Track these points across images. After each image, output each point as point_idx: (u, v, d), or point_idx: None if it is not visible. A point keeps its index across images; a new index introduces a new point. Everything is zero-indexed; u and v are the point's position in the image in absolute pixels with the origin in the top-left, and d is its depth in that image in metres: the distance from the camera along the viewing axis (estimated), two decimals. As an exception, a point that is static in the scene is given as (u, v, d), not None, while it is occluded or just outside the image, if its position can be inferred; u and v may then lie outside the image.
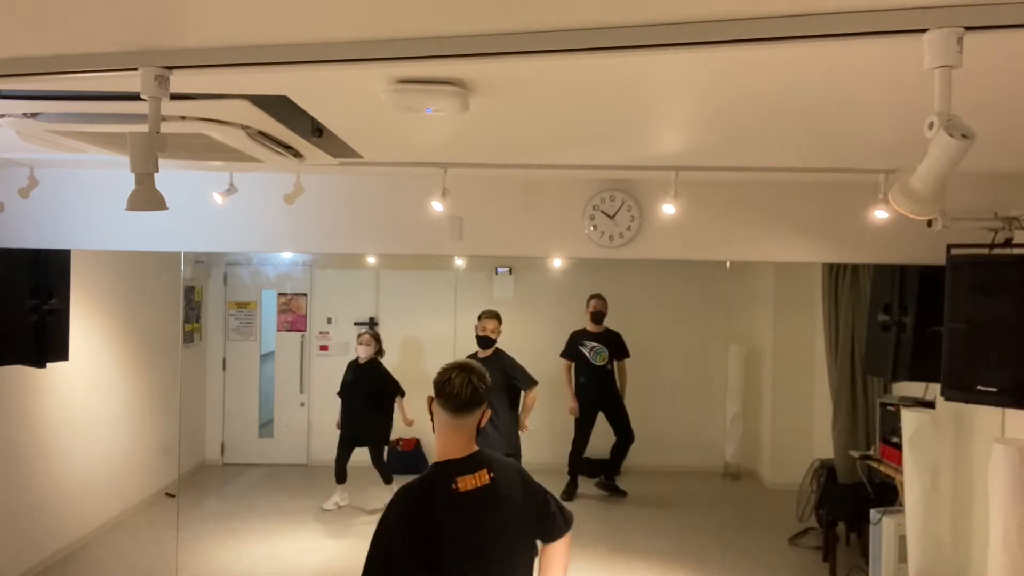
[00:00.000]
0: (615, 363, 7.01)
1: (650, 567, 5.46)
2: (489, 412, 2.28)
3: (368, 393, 6.47)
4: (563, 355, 6.99)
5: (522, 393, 5.60)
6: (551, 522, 2.30)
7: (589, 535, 6.10)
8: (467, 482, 2.17)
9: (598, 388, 6.95)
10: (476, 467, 2.20)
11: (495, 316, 5.53)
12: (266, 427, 7.86)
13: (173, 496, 6.38)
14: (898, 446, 4.50)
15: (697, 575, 5.35)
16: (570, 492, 6.99)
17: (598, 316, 6.91)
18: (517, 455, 5.48)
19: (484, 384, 2.24)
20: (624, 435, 7.05)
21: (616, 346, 7.00)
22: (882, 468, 4.82)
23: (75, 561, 5.42)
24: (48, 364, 4.30)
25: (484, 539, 2.16)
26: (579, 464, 7.06)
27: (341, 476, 6.52)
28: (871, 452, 5.04)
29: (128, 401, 6.28)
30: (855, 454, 5.14)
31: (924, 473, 4.14)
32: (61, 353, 4.34)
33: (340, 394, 6.55)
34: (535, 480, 2.34)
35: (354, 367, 6.58)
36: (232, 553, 5.58)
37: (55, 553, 5.33)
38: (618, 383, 7.04)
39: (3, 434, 4.82)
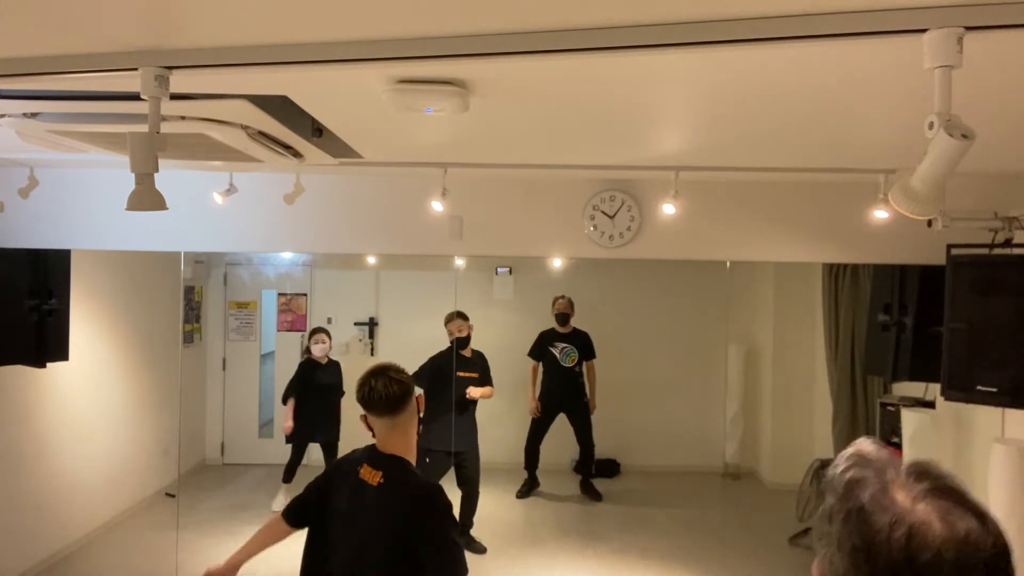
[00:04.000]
0: (583, 365, 6.94)
1: (650, 567, 5.46)
2: (422, 399, 2.34)
3: (332, 391, 6.51)
4: (531, 355, 6.93)
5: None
6: (431, 567, 2.12)
7: (589, 535, 6.11)
8: (365, 472, 2.27)
9: (562, 390, 6.90)
10: (380, 466, 2.26)
11: (463, 315, 5.75)
12: (266, 427, 7.86)
13: (173, 496, 6.37)
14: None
15: (697, 575, 5.35)
16: (527, 490, 6.99)
17: (562, 317, 6.87)
18: (475, 454, 5.64)
19: (405, 376, 2.31)
20: (585, 445, 7.00)
21: (584, 347, 6.93)
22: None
23: (75, 561, 5.42)
24: (48, 364, 4.29)
25: (354, 531, 2.25)
26: (534, 461, 7.03)
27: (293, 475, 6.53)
28: (871, 452, 5.03)
29: (128, 401, 6.28)
30: (855, 454, 5.14)
31: (924, 473, 4.14)
32: (61, 353, 4.34)
33: (294, 395, 6.50)
34: (447, 521, 2.19)
35: (313, 365, 6.55)
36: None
37: (55, 553, 5.33)
38: (586, 386, 6.96)
39: (3, 434, 4.82)
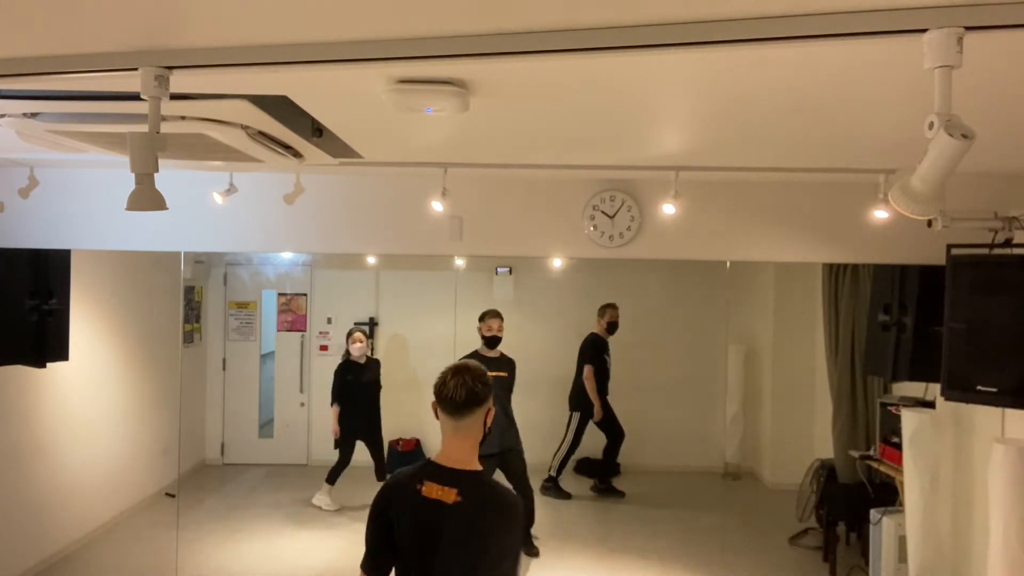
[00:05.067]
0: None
1: (650, 567, 5.46)
2: (493, 412, 2.26)
3: (373, 389, 6.59)
4: (591, 362, 6.91)
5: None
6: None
7: (589, 535, 6.11)
8: (432, 490, 2.15)
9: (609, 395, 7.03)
10: (452, 483, 2.15)
11: (500, 315, 5.63)
12: (266, 427, 7.86)
13: (173, 496, 6.38)
14: (898, 446, 4.50)
15: (697, 575, 5.35)
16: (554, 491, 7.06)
17: (614, 327, 6.94)
18: (519, 451, 5.54)
19: (481, 383, 2.21)
20: (618, 434, 7.11)
21: None
22: (882, 468, 4.82)
23: (75, 561, 5.42)
24: (48, 364, 4.29)
25: (435, 555, 2.11)
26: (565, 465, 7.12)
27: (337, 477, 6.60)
28: (871, 452, 5.04)
29: (128, 401, 6.28)
30: (855, 454, 5.14)
31: (924, 473, 4.14)
32: (61, 353, 4.33)
33: (337, 400, 6.55)
34: (520, 533, 2.21)
35: (352, 366, 6.58)
36: (232, 553, 5.58)
37: (55, 553, 5.33)
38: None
39: (3, 434, 4.82)
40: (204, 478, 7.41)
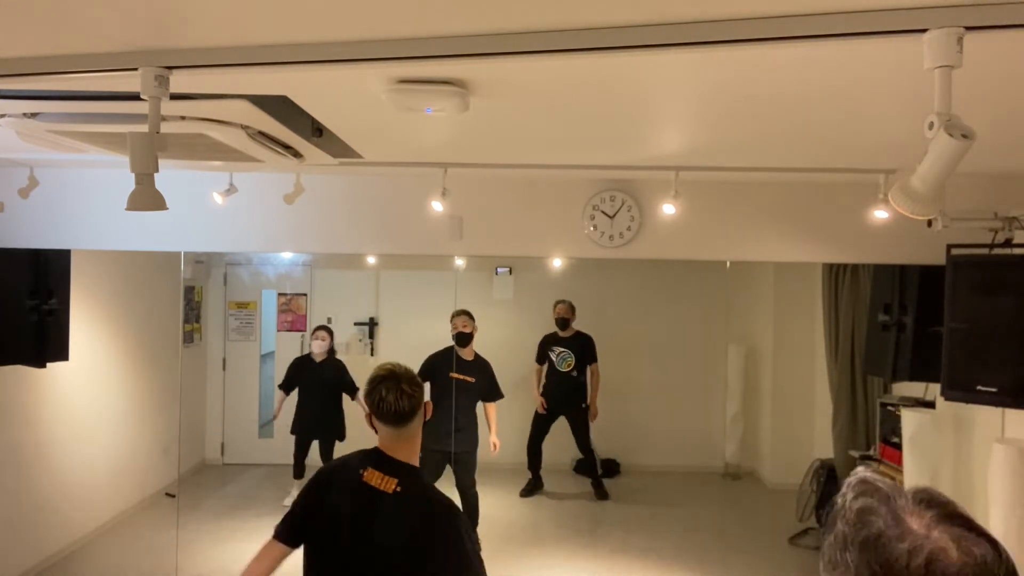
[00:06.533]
0: (588, 369, 6.93)
1: (650, 567, 5.46)
2: (431, 407, 2.29)
3: (327, 390, 6.57)
4: (536, 360, 7.04)
5: (484, 405, 5.69)
6: None
7: (589, 535, 6.11)
8: (373, 477, 2.16)
9: (560, 394, 6.96)
10: (393, 473, 2.16)
11: (466, 313, 5.71)
12: (266, 427, 7.85)
13: (173, 496, 6.38)
14: (898, 446, 4.50)
15: (697, 575, 5.35)
16: (530, 489, 7.04)
17: (561, 322, 6.92)
18: (470, 452, 5.57)
19: (415, 387, 2.22)
20: (582, 450, 7.06)
21: (583, 351, 6.94)
22: (882, 468, 4.82)
23: (75, 561, 5.42)
24: (48, 364, 4.29)
25: (367, 541, 2.12)
26: (536, 460, 7.08)
27: (302, 471, 6.61)
28: (871, 452, 5.04)
29: (128, 401, 6.28)
30: (855, 454, 5.15)
31: (924, 473, 4.14)
32: (61, 353, 4.33)
33: (283, 390, 6.67)
34: (466, 542, 2.10)
35: (305, 363, 6.64)
36: (232, 553, 5.57)
37: (55, 553, 5.33)
38: (588, 391, 6.96)
39: (3, 434, 4.82)
40: (204, 478, 7.41)
